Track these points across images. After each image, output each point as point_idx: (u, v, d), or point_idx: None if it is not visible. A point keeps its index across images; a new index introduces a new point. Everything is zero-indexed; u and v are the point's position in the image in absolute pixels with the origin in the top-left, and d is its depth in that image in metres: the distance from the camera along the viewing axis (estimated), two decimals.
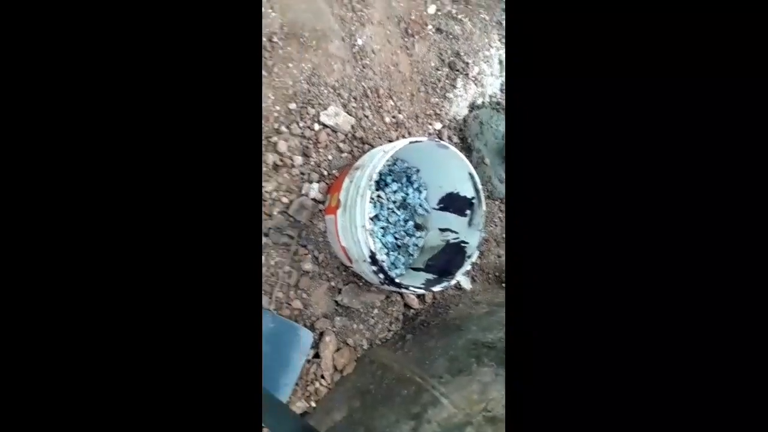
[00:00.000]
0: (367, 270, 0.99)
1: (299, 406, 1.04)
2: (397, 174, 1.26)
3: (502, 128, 1.52)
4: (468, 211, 1.19)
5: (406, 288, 1.03)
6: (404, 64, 1.35)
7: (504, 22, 1.61)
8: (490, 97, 1.59)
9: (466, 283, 1.35)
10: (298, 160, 1.10)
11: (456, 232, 1.22)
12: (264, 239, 1.06)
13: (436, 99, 1.41)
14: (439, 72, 1.43)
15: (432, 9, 1.43)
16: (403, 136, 1.31)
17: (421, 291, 1.06)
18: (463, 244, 1.19)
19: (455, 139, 1.45)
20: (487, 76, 1.57)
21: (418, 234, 1.28)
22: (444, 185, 1.24)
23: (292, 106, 1.11)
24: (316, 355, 1.09)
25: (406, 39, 1.36)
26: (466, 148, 1.46)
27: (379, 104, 1.26)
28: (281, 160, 1.08)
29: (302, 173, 1.11)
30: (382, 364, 1.08)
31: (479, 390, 0.91)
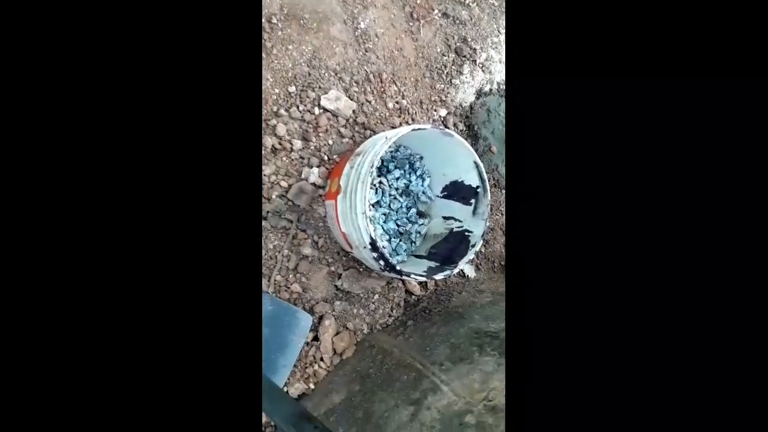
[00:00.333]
0: (367, 256, 0.98)
1: (298, 388, 1.04)
2: (400, 161, 1.24)
3: None
4: (473, 200, 1.17)
5: (407, 275, 1.02)
6: (409, 48, 1.33)
7: None
8: (498, 84, 1.56)
9: (470, 271, 1.33)
10: (298, 144, 1.09)
11: (460, 221, 1.21)
12: (262, 223, 1.05)
13: (442, 85, 1.39)
14: (445, 57, 1.41)
15: None
16: (407, 123, 1.29)
17: (423, 278, 1.05)
18: (467, 233, 1.17)
19: (461, 127, 1.43)
20: (495, 63, 1.54)
21: (420, 221, 1.27)
22: (448, 173, 1.22)
23: (292, 89, 1.10)
24: (315, 338, 1.08)
25: (411, 23, 1.34)
26: (473, 136, 1.44)
27: (382, 89, 1.24)
28: (280, 144, 1.07)
29: (302, 157, 1.10)
30: (383, 348, 1.08)
31: (481, 379, 0.90)
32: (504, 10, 1.57)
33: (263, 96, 1.06)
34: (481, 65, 1.49)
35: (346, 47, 1.19)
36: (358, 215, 0.93)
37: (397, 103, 1.27)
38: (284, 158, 1.08)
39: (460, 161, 1.13)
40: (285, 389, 1.03)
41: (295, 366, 1.04)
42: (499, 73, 1.55)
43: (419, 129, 0.98)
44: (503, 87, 1.57)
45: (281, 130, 1.07)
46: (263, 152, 1.06)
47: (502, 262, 1.42)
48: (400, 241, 1.23)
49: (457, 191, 1.22)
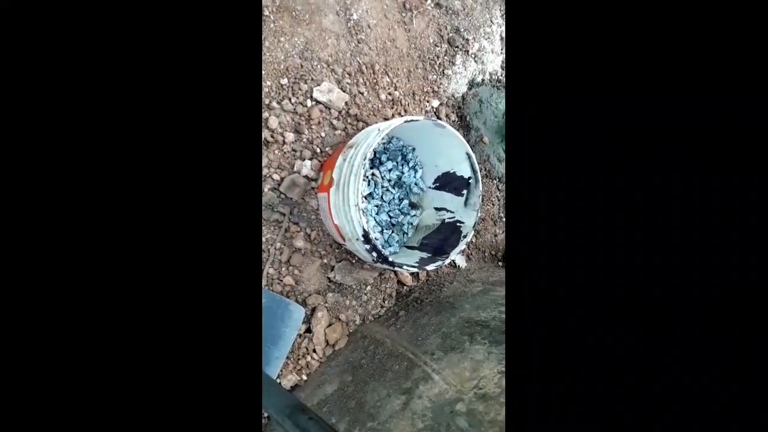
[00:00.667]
0: (360, 248, 0.99)
1: (290, 379, 1.06)
2: (393, 152, 1.24)
3: (502, 106, 1.49)
4: (464, 191, 1.18)
5: (400, 266, 1.03)
6: (401, 39, 1.32)
7: None
8: (491, 74, 1.56)
9: (461, 261, 1.34)
10: (290, 136, 1.09)
11: (452, 212, 1.22)
12: None
13: (434, 76, 1.39)
14: (438, 48, 1.40)
15: None
16: (399, 114, 1.29)
17: (415, 269, 1.06)
18: (458, 224, 1.18)
19: (453, 117, 1.43)
20: (488, 53, 1.54)
21: (413, 213, 1.28)
22: (440, 164, 1.22)
23: (284, 81, 1.09)
24: (308, 330, 1.10)
25: (403, 14, 1.33)
26: (465, 126, 1.44)
27: (375, 81, 1.24)
28: (272, 137, 1.07)
29: (294, 150, 1.10)
30: (375, 339, 1.09)
31: (471, 367, 0.92)
32: (496, 0, 1.56)
33: None
34: (473, 56, 1.48)
35: (338, 39, 1.18)
36: (351, 207, 0.93)
37: (389, 94, 1.27)
38: (276, 151, 1.08)
39: (453, 152, 1.13)
40: (278, 381, 1.05)
41: (287, 358, 1.05)
42: (491, 63, 1.55)
43: (412, 120, 0.97)
44: (495, 77, 1.57)
45: (273, 122, 1.06)
46: None
47: (494, 252, 1.44)
48: (393, 232, 1.24)
49: (449, 182, 1.22)
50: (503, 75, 1.58)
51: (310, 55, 1.13)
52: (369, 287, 1.18)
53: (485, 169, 1.47)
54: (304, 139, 1.11)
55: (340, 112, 1.17)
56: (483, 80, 1.53)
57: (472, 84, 1.49)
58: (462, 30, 1.45)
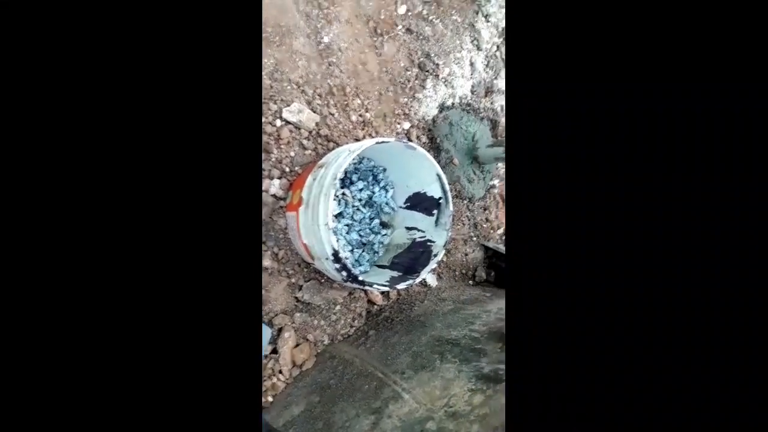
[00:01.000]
0: (329, 268, 0.98)
1: None
2: (363, 172, 1.26)
3: (471, 129, 1.54)
4: (435, 211, 1.20)
5: (370, 285, 1.02)
6: (372, 63, 1.35)
7: (476, 25, 1.63)
8: (461, 98, 1.60)
9: (432, 280, 1.35)
10: None
11: (423, 231, 1.23)
12: None
13: (405, 99, 1.42)
14: (409, 72, 1.44)
15: (402, 9, 1.44)
16: (371, 135, 1.31)
17: (386, 288, 1.06)
18: (429, 243, 1.20)
19: (424, 139, 1.46)
20: (458, 78, 1.58)
21: (383, 232, 1.29)
22: (411, 185, 1.24)
23: None
24: (274, 351, 1.08)
25: (374, 38, 1.37)
26: (435, 148, 1.47)
27: (346, 102, 1.26)
28: None
29: (263, 169, 1.10)
30: (344, 359, 1.08)
31: (442, 386, 0.92)
32: (467, 26, 1.62)
33: None
34: (443, 80, 1.53)
35: (309, 61, 1.20)
36: (320, 227, 0.93)
37: (360, 116, 1.29)
38: None
39: (423, 173, 1.15)
40: None
41: None
42: (461, 87, 1.60)
43: (383, 142, 0.99)
44: (465, 101, 1.62)
45: None
46: None
47: (464, 271, 1.45)
48: (363, 251, 1.24)
49: (420, 202, 1.24)
50: (473, 99, 1.63)
51: (279, 76, 1.14)
52: (338, 307, 1.17)
53: (455, 190, 1.49)
54: (273, 159, 1.12)
55: (310, 132, 1.18)
56: (453, 104, 1.57)
57: (442, 107, 1.53)
58: (432, 55, 1.49)
